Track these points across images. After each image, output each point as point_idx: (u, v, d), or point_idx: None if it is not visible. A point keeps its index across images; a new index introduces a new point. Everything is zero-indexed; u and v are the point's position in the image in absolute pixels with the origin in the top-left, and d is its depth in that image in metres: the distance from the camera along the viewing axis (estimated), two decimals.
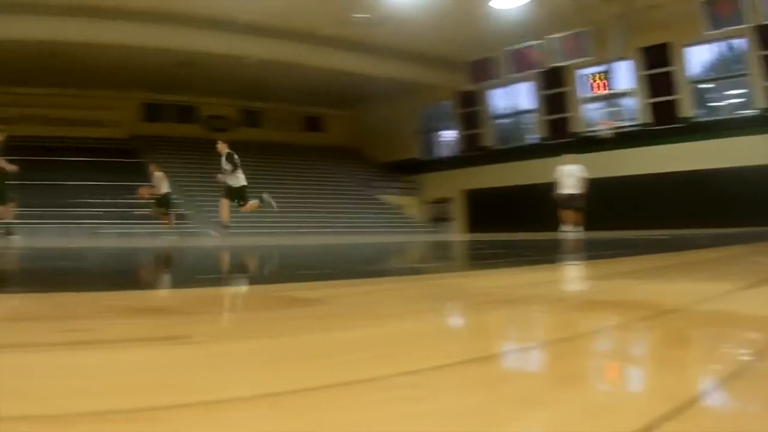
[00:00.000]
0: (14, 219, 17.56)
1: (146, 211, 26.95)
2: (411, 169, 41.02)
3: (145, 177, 31.71)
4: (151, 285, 5.20)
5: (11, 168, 16.49)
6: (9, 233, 16.91)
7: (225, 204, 18.95)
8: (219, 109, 41.67)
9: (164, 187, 22.84)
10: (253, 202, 19.49)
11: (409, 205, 39.26)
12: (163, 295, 3.85)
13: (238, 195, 18.96)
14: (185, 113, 41.12)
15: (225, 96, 39.70)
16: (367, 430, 1.07)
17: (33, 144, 32.43)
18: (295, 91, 38.39)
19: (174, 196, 23.63)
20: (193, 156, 35.31)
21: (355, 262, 8.49)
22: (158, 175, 23.12)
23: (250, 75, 33.85)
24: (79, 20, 26.99)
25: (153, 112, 40.38)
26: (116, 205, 28.98)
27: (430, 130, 42.12)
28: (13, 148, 30.92)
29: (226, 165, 18.58)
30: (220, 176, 19.02)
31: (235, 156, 18.97)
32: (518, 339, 2.12)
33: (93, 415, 1.13)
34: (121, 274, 6.54)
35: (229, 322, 2.51)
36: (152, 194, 23.07)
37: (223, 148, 18.79)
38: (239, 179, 18.92)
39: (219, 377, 1.49)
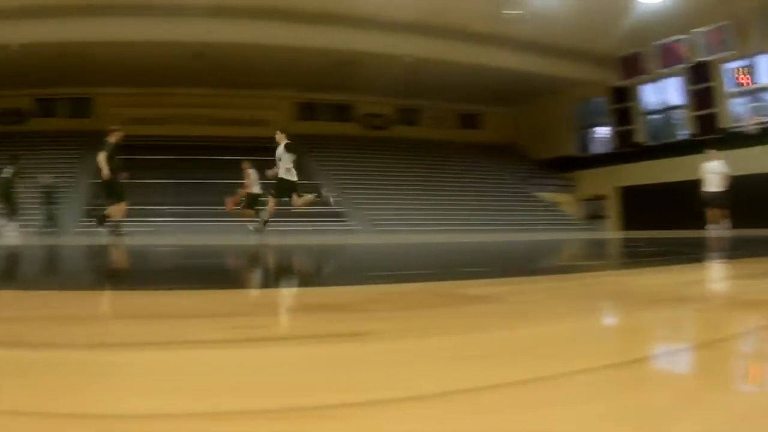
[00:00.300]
0: (125, 218, 17.50)
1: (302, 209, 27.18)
2: (567, 165, 40.03)
3: (301, 175, 32.07)
4: (320, 282, 5.24)
5: (105, 173, 16.42)
6: (119, 232, 16.94)
7: (272, 201, 18.27)
8: (376, 107, 41.38)
9: (256, 187, 22.63)
10: (308, 197, 18.26)
11: (566, 202, 38.17)
12: (334, 292, 3.80)
13: (291, 189, 18.15)
14: (342, 112, 41.01)
15: (381, 94, 39.22)
16: (547, 429, 1.10)
17: (191, 143, 33.03)
18: (451, 89, 37.82)
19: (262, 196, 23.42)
20: (351, 154, 35.38)
21: (516, 260, 8.44)
22: (251, 172, 22.73)
23: (405, 73, 33.37)
24: (238, 22, 27.49)
25: (308, 111, 40.45)
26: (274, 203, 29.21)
27: (585, 126, 41.01)
28: (172, 147, 31.59)
29: (284, 156, 17.89)
30: (270, 171, 18.37)
31: (285, 148, 17.71)
32: (680, 340, 2.12)
33: (281, 411, 1.19)
34: (287, 271, 6.62)
35: (405, 320, 2.49)
36: (245, 194, 22.87)
37: (281, 138, 18.11)
38: (285, 173, 18.13)
39: (402, 375, 1.53)
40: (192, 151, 31.95)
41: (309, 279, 5.70)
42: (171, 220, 25.28)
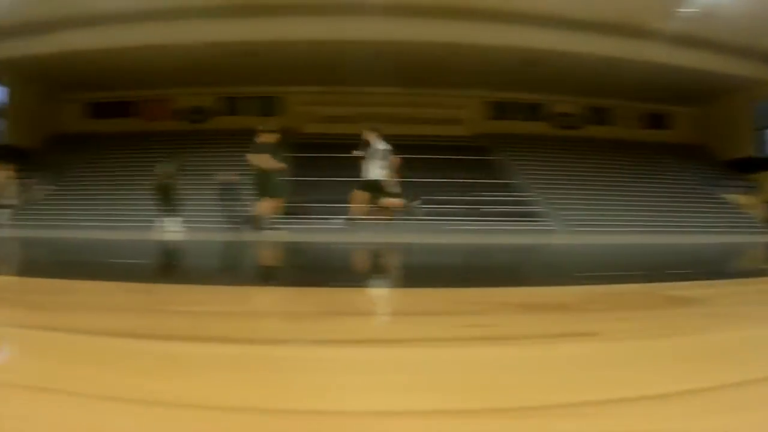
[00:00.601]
0: (277, 215, 17.52)
1: (493, 208, 27.11)
2: (751, 166, 38.22)
3: (493, 174, 31.88)
4: (532, 282, 5.21)
5: (279, 166, 16.58)
6: (264, 228, 17.05)
7: (357, 197, 17.83)
8: (566, 106, 40.59)
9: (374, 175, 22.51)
10: (391, 201, 18.08)
11: (750, 204, 37.09)
12: (549, 292, 3.79)
13: (369, 188, 17.62)
14: (532, 111, 40.30)
15: (571, 93, 38.69)
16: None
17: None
18: (638, 88, 36.89)
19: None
20: (542, 153, 35.10)
21: (714, 262, 8.30)
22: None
23: (593, 71, 33.04)
24: (426, 21, 27.77)
25: (499, 110, 39.93)
26: (465, 202, 29.12)
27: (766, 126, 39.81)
28: (355, 146, 32.02)
29: (373, 151, 17.50)
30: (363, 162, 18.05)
31: (376, 145, 17.69)
32: None
33: (522, 410, 1.19)
34: (495, 270, 6.63)
35: (624, 321, 2.48)
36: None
37: (371, 136, 17.83)
38: (372, 171, 17.58)
39: (633, 374, 1.54)
40: None
41: (520, 278, 5.73)
42: (361, 218, 25.55)
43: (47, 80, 35.92)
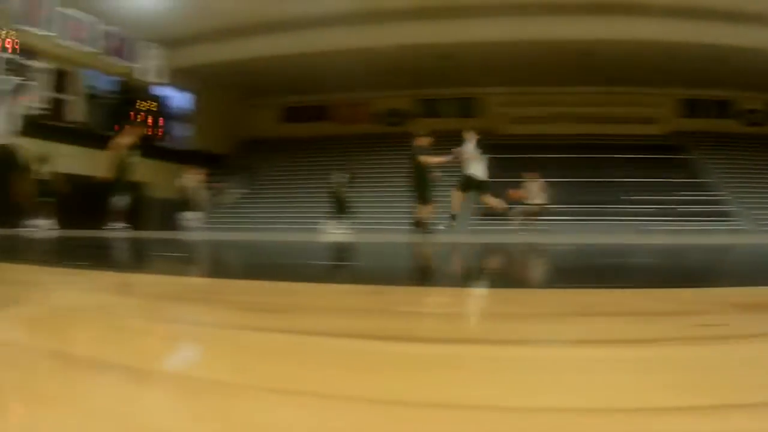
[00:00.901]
0: (432, 217, 17.77)
1: (687, 208, 26.61)
2: None
3: (685, 173, 31.17)
4: (744, 281, 5.14)
5: (441, 160, 16.82)
6: (430, 230, 17.31)
7: (456, 194, 17.92)
8: (752, 102, 38.54)
9: (538, 198, 22.53)
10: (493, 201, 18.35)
11: None
12: (766, 292, 3.73)
13: (474, 185, 17.76)
14: (721, 108, 38.70)
15: (758, 89, 36.47)
16: None
17: (577, 142, 32.86)
18: None
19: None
20: (731, 151, 34.08)
21: None
22: (533, 183, 22.75)
23: None
24: (615, 19, 27.21)
25: (690, 107, 38.62)
26: (661, 202, 28.58)
27: None
28: (558, 146, 31.46)
29: (473, 150, 17.54)
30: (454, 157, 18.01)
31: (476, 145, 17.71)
32: None
33: (757, 406, 1.17)
34: (707, 270, 6.56)
35: None
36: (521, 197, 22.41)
37: (469, 135, 17.75)
38: (474, 169, 17.54)
39: None
40: (577, 150, 31.84)
41: (730, 278, 5.72)
42: (557, 219, 25.39)
43: (238, 86, 37.29)
